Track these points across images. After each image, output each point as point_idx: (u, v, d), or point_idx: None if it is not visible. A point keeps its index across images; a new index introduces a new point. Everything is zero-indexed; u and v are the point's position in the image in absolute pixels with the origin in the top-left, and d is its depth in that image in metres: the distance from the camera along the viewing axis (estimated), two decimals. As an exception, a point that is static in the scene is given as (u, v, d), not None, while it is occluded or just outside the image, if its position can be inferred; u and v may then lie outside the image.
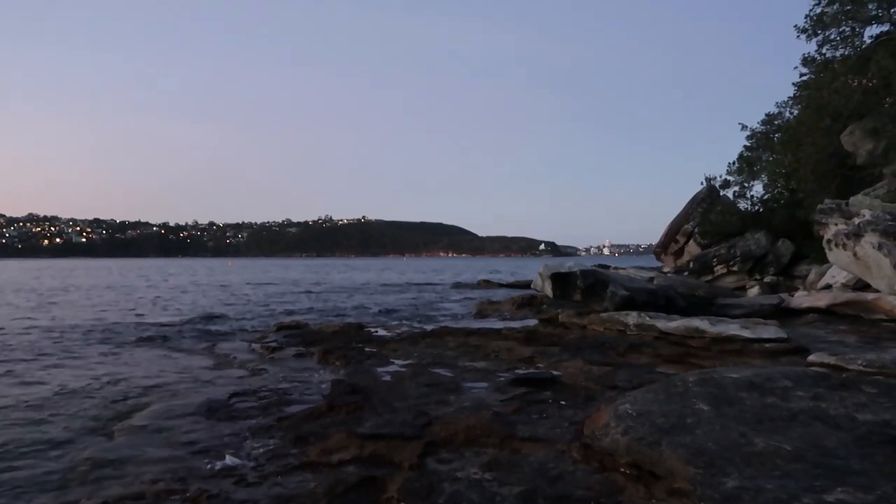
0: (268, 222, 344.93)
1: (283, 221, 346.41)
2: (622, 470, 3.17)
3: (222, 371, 7.43)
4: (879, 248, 9.57)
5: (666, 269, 20.24)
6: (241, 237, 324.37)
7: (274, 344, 9.18)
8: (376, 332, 10.60)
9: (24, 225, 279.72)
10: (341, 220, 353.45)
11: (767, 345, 7.12)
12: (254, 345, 9.39)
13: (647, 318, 8.70)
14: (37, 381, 6.95)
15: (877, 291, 9.86)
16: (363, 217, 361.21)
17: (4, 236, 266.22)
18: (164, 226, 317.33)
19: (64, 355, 8.69)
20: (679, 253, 20.18)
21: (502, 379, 6.22)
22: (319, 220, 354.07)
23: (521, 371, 6.63)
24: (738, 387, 3.90)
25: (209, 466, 3.94)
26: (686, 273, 17.96)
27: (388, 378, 6.50)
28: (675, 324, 8.17)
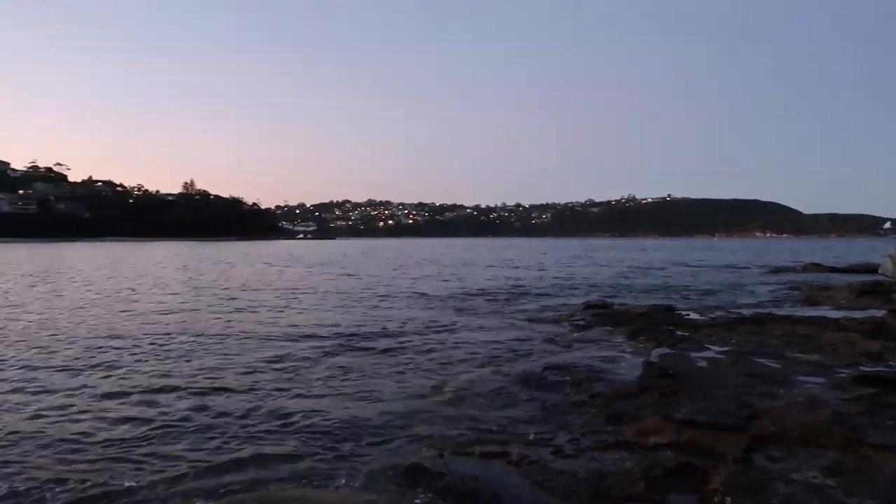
0: (570, 203, 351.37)
1: (586, 202, 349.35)
2: None
3: (534, 344, 7.89)
4: None
5: None
6: (545, 218, 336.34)
7: (582, 322, 9.40)
8: (687, 315, 10.12)
9: (365, 209, 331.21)
10: (645, 200, 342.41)
11: None
12: (563, 322, 9.73)
13: None
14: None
15: None
16: (668, 195, 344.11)
17: (350, 219, 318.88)
18: (476, 208, 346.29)
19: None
20: None
21: (842, 375, 5.47)
22: (622, 199, 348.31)
23: (865, 368, 5.74)
24: None
25: (528, 433, 4.23)
26: None
27: (703, 364, 6.21)
28: None
